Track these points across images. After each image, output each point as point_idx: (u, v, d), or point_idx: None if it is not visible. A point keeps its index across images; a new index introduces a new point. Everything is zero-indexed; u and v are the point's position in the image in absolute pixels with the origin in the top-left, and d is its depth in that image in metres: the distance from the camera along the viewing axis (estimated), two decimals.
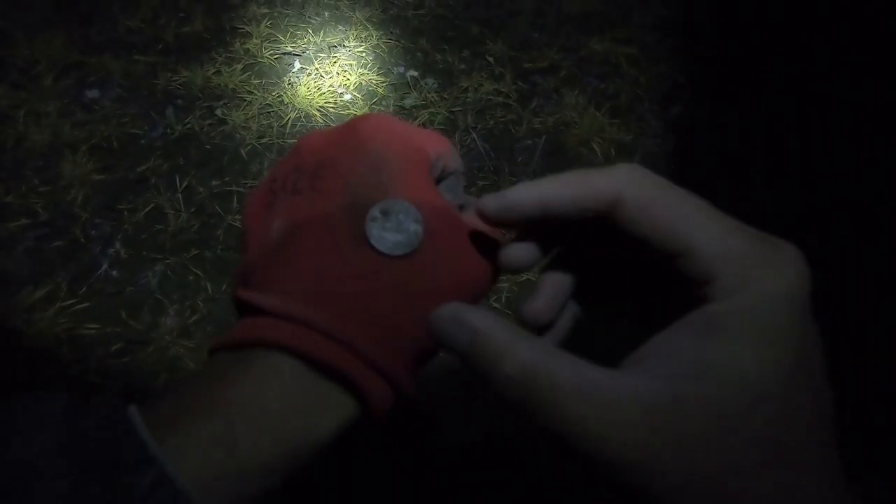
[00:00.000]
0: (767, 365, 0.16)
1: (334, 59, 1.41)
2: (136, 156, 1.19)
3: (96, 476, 0.16)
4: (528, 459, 0.89)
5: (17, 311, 0.98)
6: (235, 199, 1.15)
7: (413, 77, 1.39)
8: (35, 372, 0.94)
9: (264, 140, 1.23)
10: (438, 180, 0.26)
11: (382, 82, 1.36)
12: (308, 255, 0.22)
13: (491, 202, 0.21)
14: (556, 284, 0.23)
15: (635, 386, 0.16)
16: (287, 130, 1.26)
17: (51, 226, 1.08)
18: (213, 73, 1.34)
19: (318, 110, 1.29)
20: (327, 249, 0.22)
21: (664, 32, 1.54)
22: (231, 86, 1.31)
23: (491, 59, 1.44)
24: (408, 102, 1.33)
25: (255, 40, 1.42)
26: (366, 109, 1.30)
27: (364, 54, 1.43)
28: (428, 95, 1.35)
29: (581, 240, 0.23)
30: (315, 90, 1.33)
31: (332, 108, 1.30)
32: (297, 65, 1.39)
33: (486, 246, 0.24)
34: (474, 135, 1.28)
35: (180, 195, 1.14)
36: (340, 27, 1.49)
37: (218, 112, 1.27)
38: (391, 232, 0.22)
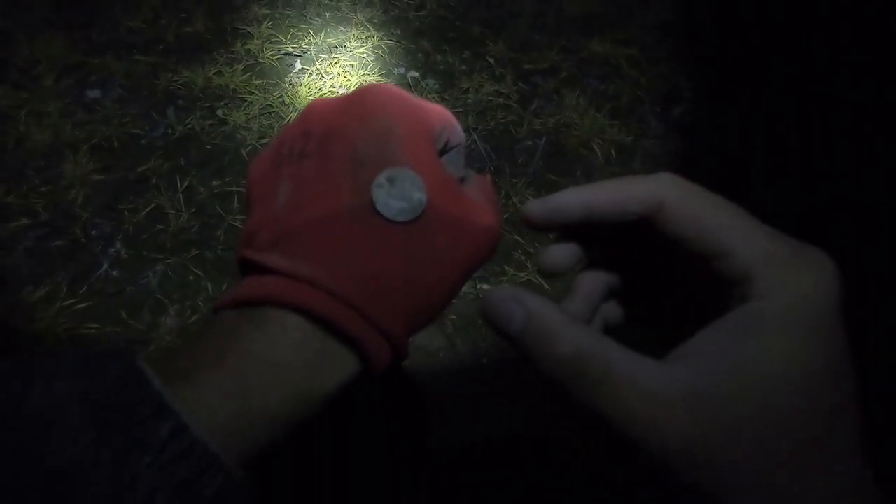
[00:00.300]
0: (807, 362, 0.17)
1: (335, 60, 1.41)
2: (136, 156, 1.20)
3: (116, 425, 0.17)
4: (547, 456, 0.89)
5: (18, 310, 0.98)
6: (236, 200, 1.15)
7: (414, 78, 1.39)
8: None
9: (265, 140, 1.23)
10: (442, 152, 0.27)
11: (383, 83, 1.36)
12: (314, 217, 0.22)
13: (537, 206, 0.22)
14: (591, 286, 0.24)
15: (684, 378, 0.17)
16: None
17: (51, 226, 1.08)
18: (215, 74, 1.34)
19: None
20: (333, 212, 0.22)
21: (664, 33, 1.54)
22: (232, 86, 1.32)
23: (492, 61, 1.44)
24: None
25: (256, 41, 1.42)
26: None
27: (365, 55, 1.43)
28: (429, 96, 1.35)
29: (614, 244, 0.24)
30: (316, 91, 1.33)
31: None
32: (298, 65, 1.39)
33: (484, 219, 0.24)
34: (475, 136, 1.29)
35: (181, 195, 1.14)
36: (341, 28, 1.49)
37: (219, 112, 1.27)
38: (396, 199, 0.22)
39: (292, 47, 1.43)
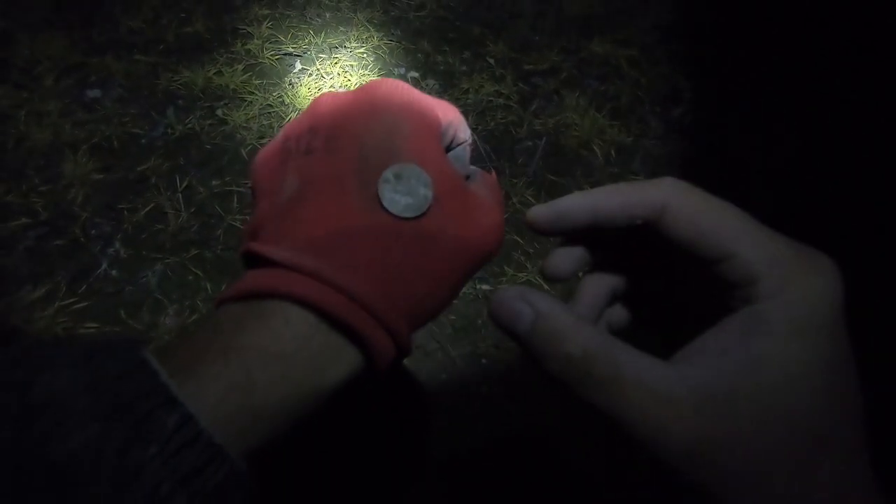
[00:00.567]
0: (812, 363, 0.17)
1: (335, 60, 1.41)
2: (136, 155, 1.19)
3: (122, 415, 0.17)
4: (547, 456, 0.89)
5: (17, 309, 0.98)
6: (236, 199, 1.15)
7: (414, 78, 1.39)
8: None
9: (265, 140, 1.23)
10: (448, 149, 0.27)
11: None
12: (320, 211, 0.22)
13: (542, 211, 0.22)
14: (595, 290, 0.24)
15: (689, 378, 0.18)
16: None
17: (51, 225, 1.08)
18: (215, 74, 1.34)
19: None
20: (339, 207, 0.22)
21: (664, 34, 1.54)
22: (232, 86, 1.32)
23: (492, 61, 1.44)
24: None
25: (256, 41, 1.42)
26: None
27: (365, 55, 1.43)
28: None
29: (618, 248, 0.24)
30: (316, 91, 1.33)
31: None
32: (298, 65, 1.39)
33: (489, 217, 0.25)
34: (475, 136, 1.28)
35: (180, 195, 1.14)
36: (341, 28, 1.49)
37: (219, 112, 1.27)
38: (402, 195, 0.22)
39: (292, 47, 1.43)
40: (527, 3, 1.60)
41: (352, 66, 1.40)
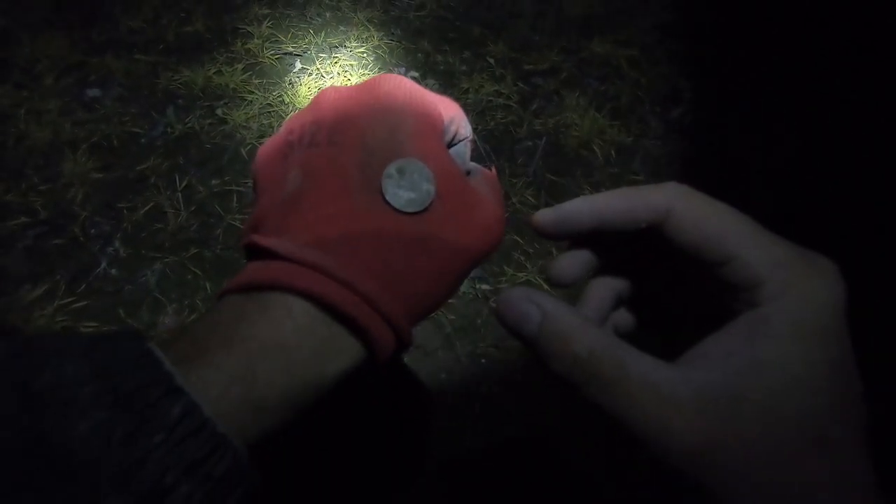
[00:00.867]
0: (814, 364, 0.18)
1: (335, 60, 1.41)
2: (136, 155, 1.19)
3: (127, 405, 0.17)
4: (548, 456, 0.89)
5: (16, 308, 0.98)
6: (235, 199, 1.15)
7: (414, 78, 1.39)
8: None
9: (264, 140, 1.23)
10: (449, 145, 0.27)
11: None
12: (323, 205, 0.22)
13: (547, 215, 0.23)
14: (601, 294, 0.24)
15: (694, 380, 0.18)
16: None
17: (50, 224, 1.08)
18: (214, 73, 1.34)
19: None
20: (342, 202, 0.22)
21: (665, 34, 1.54)
22: (232, 85, 1.32)
23: (492, 61, 1.44)
24: None
25: (256, 40, 1.42)
26: None
27: (365, 55, 1.43)
28: None
29: (622, 252, 0.24)
30: (316, 90, 1.33)
31: None
32: (298, 65, 1.39)
33: (489, 214, 0.25)
34: (475, 136, 1.28)
35: (180, 194, 1.14)
36: (342, 28, 1.49)
37: (218, 111, 1.27)
38: (405, 190, 0.23)
39: (292, 47, 1.43)
40: (527, 3, 1.60)
41: (352, 65, 1.40)
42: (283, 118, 1.27)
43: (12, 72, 1.30)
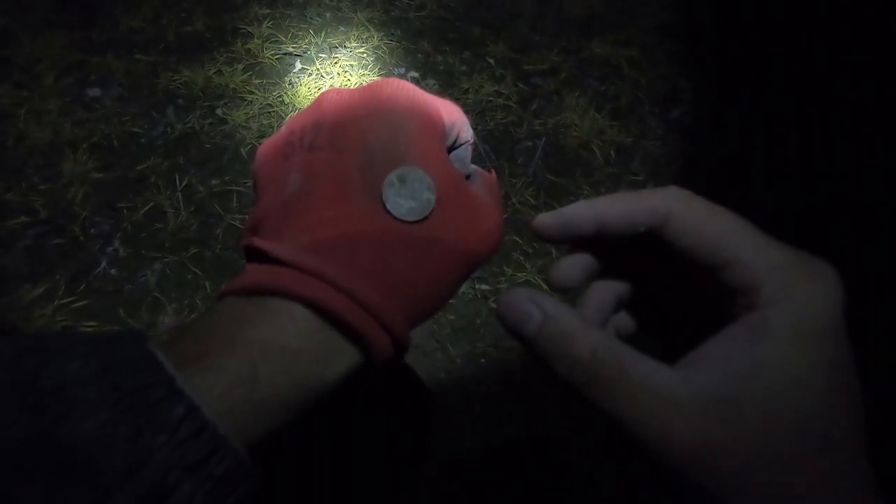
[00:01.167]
0: (814, 366, 0.18)
1: (335, 60, 1.41)
2: (136, 154, 1.20)
3: (130, 405, 0.17)
4: (548, 456, 0.89)
5: (16, 308, 0.98)
6: (235, 199, 1.15)
7: (414, 78, 1.39)
8: None
9: (264, 140, 1.24)
10: (450, 149, 0.27)
11: None
12: (324, 210, 0.22)
13: (549, 219, 0.23)
14: (601, 297, 0.25)
15: (695, 382, 0.18)
16: None
17: (50, 224, 1.08)
18: (214, 73, 1.34)
19: None
20: (343, 207, 0.22)
21: (665, 34, 1.54)
22: (232, 85, 1.32)
23: (492, 61, 1.44)
24: None
25: (256, 40, 1.42)
26: None
27: (365, 55, 1.43)
28: None
29: (623, 256, 0.24)
30: (316, 90, 1.33)
31: None
32: (298, 65, 1.39)
33: (489, 219, 0.25)
34: (475, 136, 1.28)
35: (180, 194, 1.14)
36: (342, 28, 1.49)
37: (218, 111, 1.27)
38: (406, 198, 0.23)
39: (292, 47, 1.43)
40: (527, 4, 1.60)
41: (352, 65, 1.40)
42: (283, 118, 1.27)
43: (12, 71, 1.30)
